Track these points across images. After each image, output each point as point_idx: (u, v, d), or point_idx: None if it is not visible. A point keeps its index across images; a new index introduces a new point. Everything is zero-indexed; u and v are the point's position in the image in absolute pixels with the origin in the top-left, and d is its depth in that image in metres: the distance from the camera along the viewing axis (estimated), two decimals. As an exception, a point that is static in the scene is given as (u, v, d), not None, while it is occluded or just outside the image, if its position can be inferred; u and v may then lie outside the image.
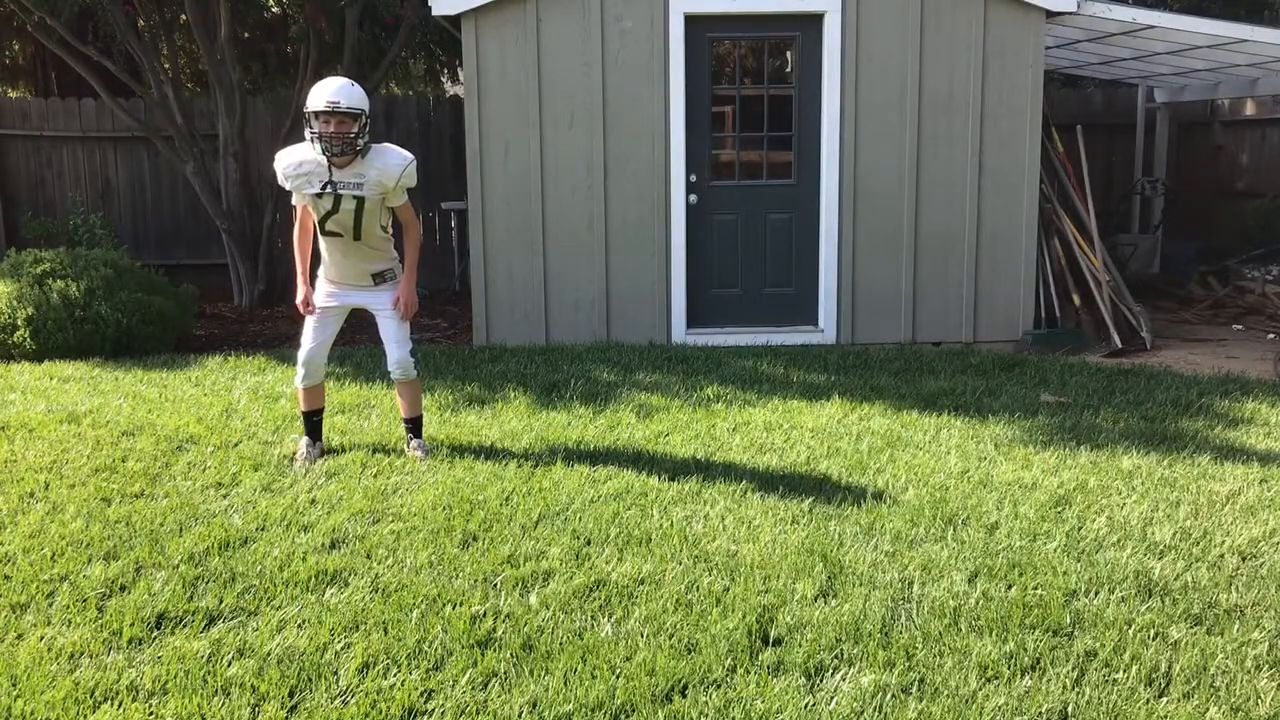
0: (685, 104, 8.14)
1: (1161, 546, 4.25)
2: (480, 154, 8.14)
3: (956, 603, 3.71)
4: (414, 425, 5.48)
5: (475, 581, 3.90)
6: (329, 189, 4.96)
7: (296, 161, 4.99)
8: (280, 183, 5.09)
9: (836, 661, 3.34)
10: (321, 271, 5.28)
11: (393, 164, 5.00)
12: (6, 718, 3.06)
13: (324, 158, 4.90)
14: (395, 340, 5.29)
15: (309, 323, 5.30)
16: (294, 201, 5.18)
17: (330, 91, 4.84)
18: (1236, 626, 3.58)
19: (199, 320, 9.52)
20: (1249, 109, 12.04)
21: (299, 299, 5.30)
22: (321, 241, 5.15)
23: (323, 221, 5.05)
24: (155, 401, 6.42)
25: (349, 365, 7.46)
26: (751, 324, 8.47)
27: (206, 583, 3.89)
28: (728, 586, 3.85)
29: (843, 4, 8.05)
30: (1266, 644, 3.46)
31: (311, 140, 4.89)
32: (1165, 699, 3.16)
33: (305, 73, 10.52)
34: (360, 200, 4.97)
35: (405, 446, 5.47)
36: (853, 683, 3.21)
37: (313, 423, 5.42)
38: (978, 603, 3.72)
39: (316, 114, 4.83)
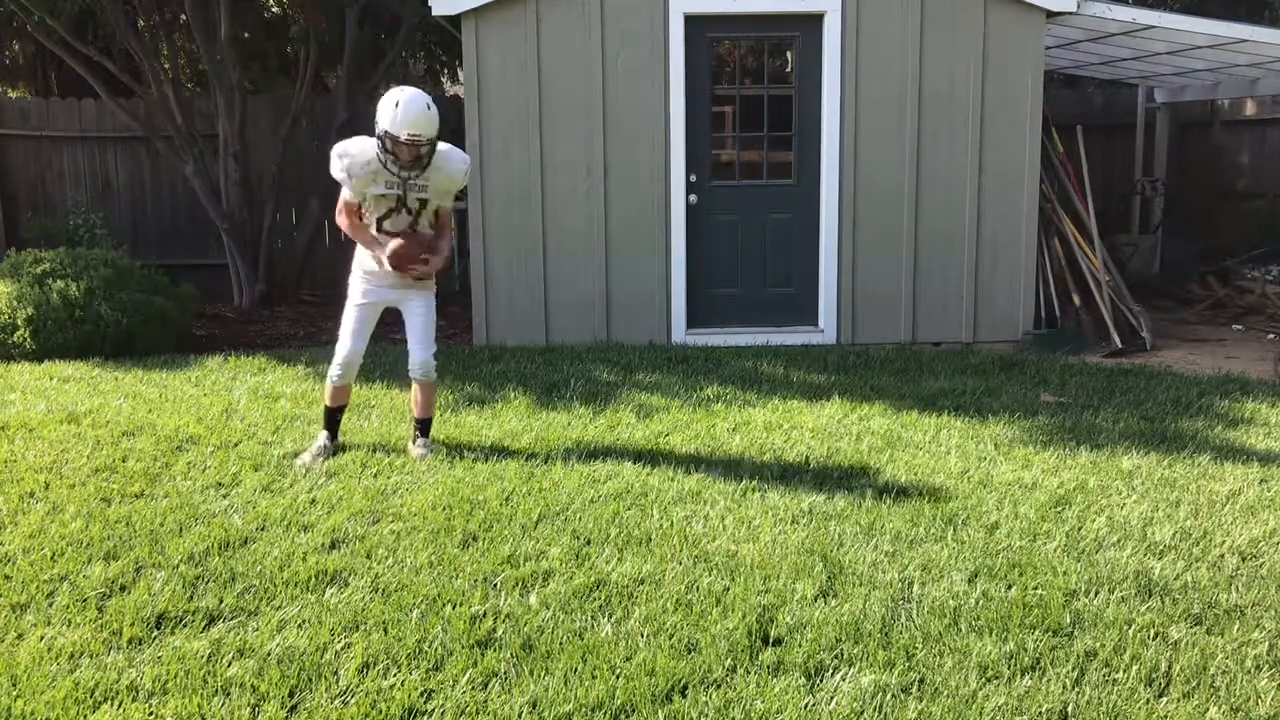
0: (685, 104, 8.14)
1: (1161, 546, 4.25)
2: (480, 154, 8.14)
3: (956, 603, 3.71)
4: (424, 426, 5.48)
5: (475, 581, 3.90)
6: (396, 187, 5.01)
7: (367, 159, 4.97)
8: (338, 174, 5.03)
9: (836, 661, 3.34)
10: (358, 266, 5.26)
11: (457, 168, 5.12)
12: (6, 717, 3.06)
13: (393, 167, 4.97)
14: (421, 342, 5.30)
15: (349, 323, 5.26)
16: (347, 196, 5.12)
17: (411, 122, 4.81)
18: (1236, 626, 3.58)
19: (199, 320, 9.51)
20: (1249, 109, 12.04)
21: (387, 253, 5.04)
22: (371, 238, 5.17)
23: (382, 219, 5.09)
24: (155, 401, 6.42)
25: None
26: (751, 324, 8.47)
27: (206, 583, 3.89)
28: (728, 586, 3.85)
29: (843, 4, 8.05)
30: (1266, 644, 3.46)
31: (381, 155, 4.91)
32: (1165, 699, 3.16)
33: (305, 73, 10.52)
34: (424, 202, 5.09)
35: (410, 444, 5.47)
36: (853, 683, 3.21)
37: (336, 419, 5.46)
38: (978, 603, 3.72)
39: (395, 139, 4.84)
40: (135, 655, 3.38)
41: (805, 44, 8.23)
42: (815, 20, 8.13)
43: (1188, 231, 12.06)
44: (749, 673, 3.27)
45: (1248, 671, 3.30)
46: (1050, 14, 8.10)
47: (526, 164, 8.15)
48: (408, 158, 4.91)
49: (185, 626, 3.57)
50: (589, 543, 4.26)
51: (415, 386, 5.42)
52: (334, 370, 5.33)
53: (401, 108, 4.82)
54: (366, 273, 5.24)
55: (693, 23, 8.11)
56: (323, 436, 5.44)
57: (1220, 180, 12.27)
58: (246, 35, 12.04)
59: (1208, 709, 3.10)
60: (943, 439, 5.70)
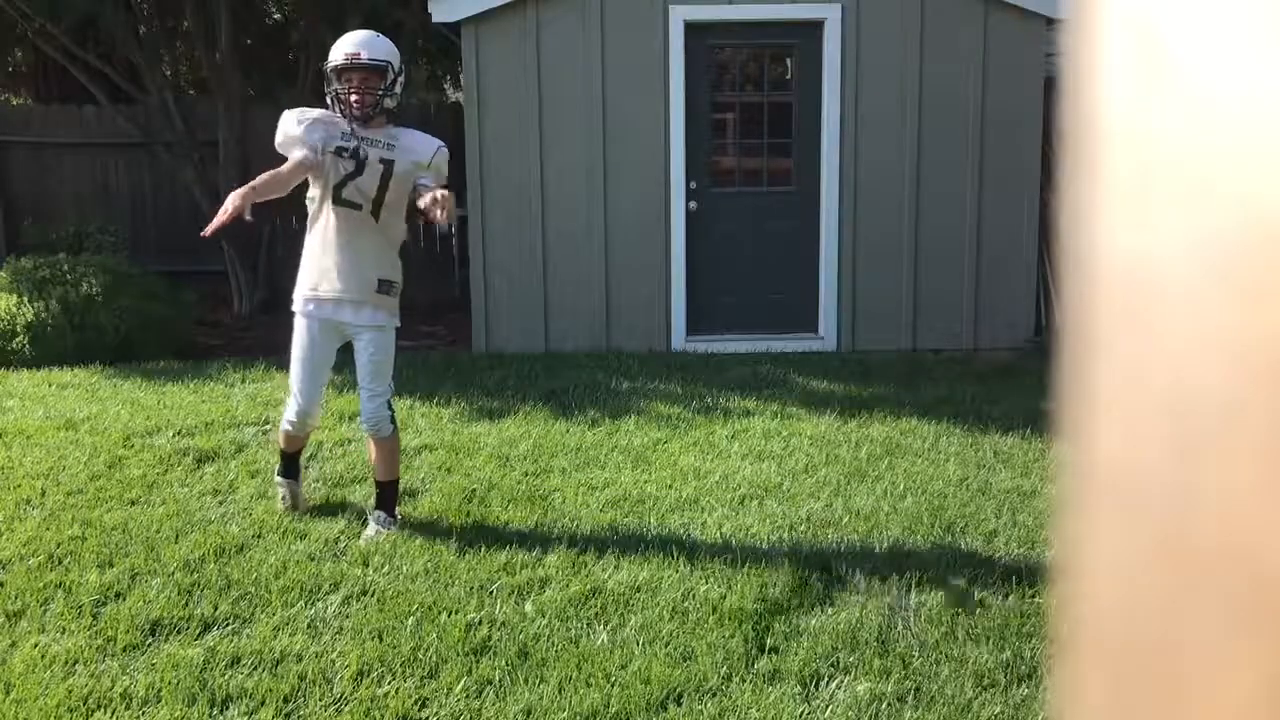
0: (685, 111, 8.14)
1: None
2: (480, 161, 8.14)
3: (954, 611, 3.70)
4: (382, 493, 4.43)
5: (471, 589, 3.89)
6: (352, 142, 4.15)
7: (314, 116, 4.22)
8: (286, 135, 4.19)
9: (832, 670, 3.33)
10: (304, 278, 4.39)
11: (421, 144, 4.25)
12: (-1, 725, 3.06)
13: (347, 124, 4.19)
14: (369, 383, 4.34)
15: (299, 361, 4.44)
16: (297, 157, 4.14)
17: (351, 43, 4.15)
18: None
19: (198, 327, 9.50)
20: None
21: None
22: (325, 226, 4.25)
23: (340, 187, 4.15)
24: (153, 408, 6.41)
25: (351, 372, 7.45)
26: (752, 330, 8.45)
27: (202, 589, 3.88)
28: (724, 594, 3.84)
29: (842, 12, 8.05)
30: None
31: (331, 104, 4.22)
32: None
33: (306, 80, 10.52)
34: (390, 165, 4.17)
35: (368, 514, 4.47)
36: (848, 691, 3.20)
37: (294, 461, 4.65)
38: (975, 611, 3.70)
39: (338, 71, 4.15)
40: (129, 663, 3.37)
41: (805, 51, 8.23)
42: (815, 27, 8.13)
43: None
44: (744, 681, 3.26)
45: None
46: (1051, 20, 8.11)
47: (526, 170, 8.14)
48: (357, 89, 4.12)
49: (180, 634, 3.56)
50: (586, 550, 4.24)
51: (369, 440, 4.50)
52: (290, 420, 4.48)
53: (341, 38, 4.23)
54: (312, 286, 4.38)
55: (693, 30, 8.11)
56: (284, 485, 4.66)
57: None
58: (248, 42, 12.06)
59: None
60: (942, 446, 5.68)
